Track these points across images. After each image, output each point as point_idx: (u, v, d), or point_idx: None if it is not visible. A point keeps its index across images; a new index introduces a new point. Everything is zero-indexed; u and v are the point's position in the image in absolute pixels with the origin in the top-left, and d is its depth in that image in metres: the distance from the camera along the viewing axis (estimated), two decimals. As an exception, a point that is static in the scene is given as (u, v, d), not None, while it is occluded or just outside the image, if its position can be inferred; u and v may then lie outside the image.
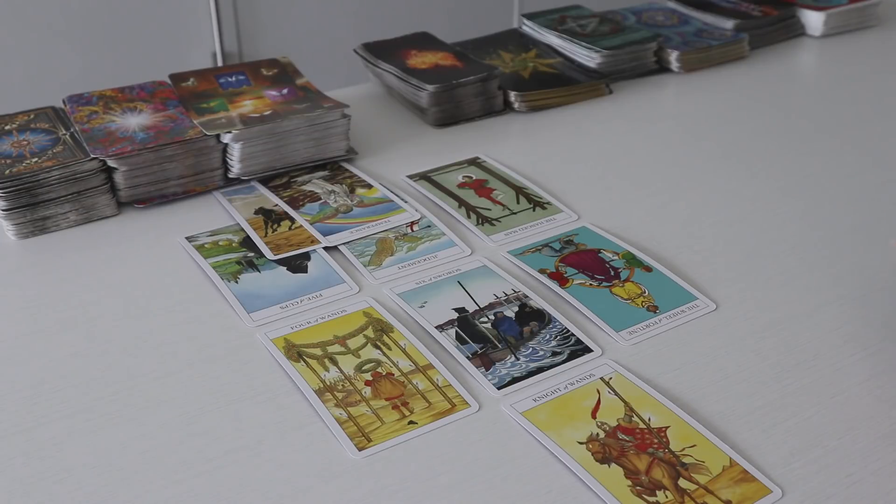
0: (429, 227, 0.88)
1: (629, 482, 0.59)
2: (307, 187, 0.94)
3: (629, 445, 0.62)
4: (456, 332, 0.73)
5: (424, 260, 0.83)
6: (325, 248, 0.84)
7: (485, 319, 0.75)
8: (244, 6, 2.06)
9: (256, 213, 0.89)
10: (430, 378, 0.68)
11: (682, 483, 0.59)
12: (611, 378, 0.68)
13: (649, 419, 0.64)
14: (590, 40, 1.19)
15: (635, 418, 0.64)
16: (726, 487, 0.59)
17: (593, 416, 0.64)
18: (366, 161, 1.00)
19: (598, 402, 0.66)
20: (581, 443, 0.62)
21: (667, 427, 0.63)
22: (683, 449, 0.62)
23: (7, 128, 0.94)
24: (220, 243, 0.85)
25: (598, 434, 0.63)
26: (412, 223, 0.88)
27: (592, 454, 0.61)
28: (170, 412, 0.66)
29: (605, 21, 1.26)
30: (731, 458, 0.61)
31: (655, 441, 0.62)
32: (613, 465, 0.60)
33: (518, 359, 0.70)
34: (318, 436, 0.64)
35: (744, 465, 0.60)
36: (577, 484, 0.60)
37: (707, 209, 0.91)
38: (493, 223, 0.88)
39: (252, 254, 0.83)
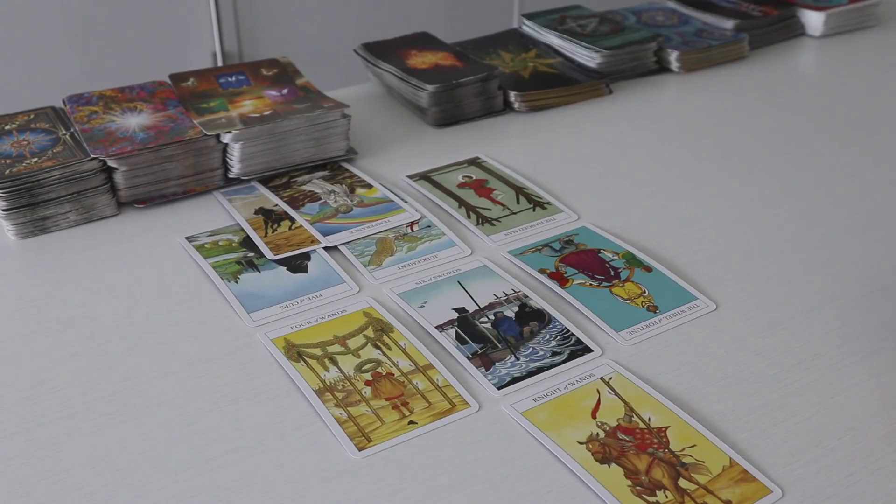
0: (429, 227, 0.88)
1: (629, 482, 0.59)
2: (307, 187, 0.94)
3: (629, 445, 0.62)
4: (456, 332, 0.73)
5: (424, 260, 0.83)
6: (325, 248, 0.84)
7: (485, 319, 0.75)
8: (244, 6, 2.06)
9: (256, 213, 0.89)
10: (430, 378, 0.68)
11: (682, 483, 0.59)
12: (611, 378, 0.68)
13: (649, 419, 0.64)
14: (590, 40, 1.19)
15: (635, 418, 0.64)
16: (726, 487, 0.59)
17: (593, 416, 0.64)
18: (366, 161, 1.00)
19: (599, 401, 0.66)
20: (581, 443, 0.62)
21: (667, 427, 0.63)
22: (683, 449, 0.62)
23: (7, 128, 0.94)
24: (220, 243, 0.85)
25: (598, 434, 0.63)
26: (412, 223, 0.88)
27: (592, 454, 0.61)
28: (170, 412, 0.66)
29: (605, 21, 1.26)
30: (731, 458, 0.61)
31: (655, 441, 0.62)
32: (613, 465, 0.60)
33: (518, 359, 0.70)
34: (318, 436, 0.64)
35: (744, 465, 0.60)
36: (577, 484, 0.60)
37: (707, 209, 0.91)
38: (493, 223, 0.88)
39: (252, 254, 0.83)
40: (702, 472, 0.60)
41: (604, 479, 0.59)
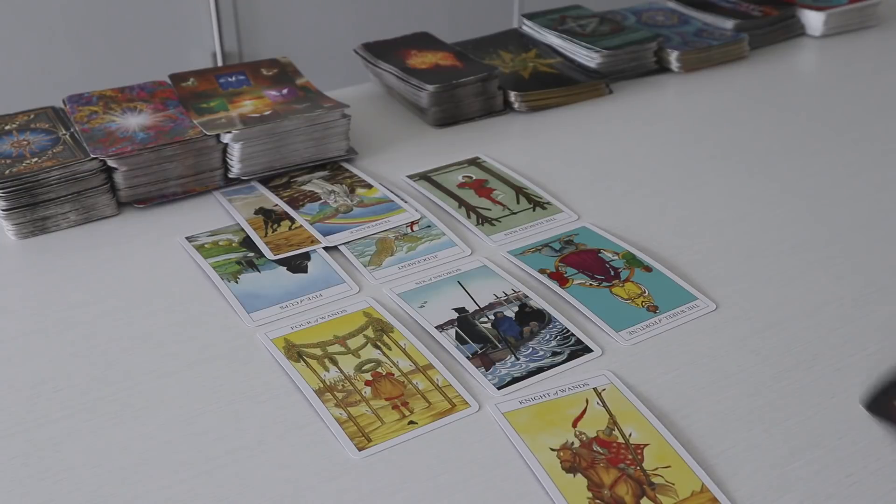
0: (429, 227, 0.88)
1: (590, 494, 0.58)
2: (307, 187, 0.94)
3: (601, 458, 0.61)
4: (456, 332, 0.73)
5: (424, 260, 0.83)
6: (325, 248, 0.84)
7: (485, 319, 0.75)
8: (244, 6, 2.06)
9: (256, 213, 0.89)
10: (430, 378, 0.68)
11: (645, 502, 0.58)
12: (604, 389, 0.67)
13: (630, 434, 0.63)
14: (590, 40, 1.19)
15: (616, 432, 0.63)
16: (689, 513, 0.58)
17: (574, 424, 0.64)
18: (366, 161, 1.00)
19: (584, 411, 0.65)
20: (553, 449, 0.62)
21: (646, 445, 0.62)
22: (657, 468, 0.60)
23: (7, 128, 0.94)
24: (220, 243, 0.85)
25: (572, 443, 0.62)
26: (412, 223, 0.88)
27: (561, 462, 0.60)
28: (170, 412, 0.66)
29: (605, 21, 1.26)
30: (703, 484, 0.59)
31: (630, 457, 0.61)
32: (579, 475, 0.60)
33: (518, 359, 0.70)
34: (318, 436, 0.64)
35: (714, 493, 0.58)
36: (538, 490, 0.59)
37: (707, 209, 0.91)
38: (493, 223, 0.88)
39: (252, 254, 0.83)
40: (669, 493, 0.58)
41: (564, 487, 0.58)
